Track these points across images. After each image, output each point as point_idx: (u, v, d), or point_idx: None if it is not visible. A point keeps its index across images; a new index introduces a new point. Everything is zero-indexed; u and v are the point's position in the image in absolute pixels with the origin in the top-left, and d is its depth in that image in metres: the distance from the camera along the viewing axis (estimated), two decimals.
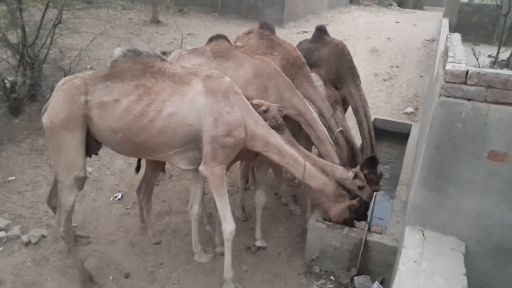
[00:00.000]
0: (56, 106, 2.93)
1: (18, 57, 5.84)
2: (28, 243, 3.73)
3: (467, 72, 2.30)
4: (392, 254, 3.38)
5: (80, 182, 3.09)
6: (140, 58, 3.00)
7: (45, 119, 2.96)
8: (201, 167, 3.12)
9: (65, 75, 6.16)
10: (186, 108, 2.94)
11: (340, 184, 3.69)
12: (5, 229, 3.82)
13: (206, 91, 2.99)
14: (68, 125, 2.91)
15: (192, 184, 3.57)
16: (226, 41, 4.04)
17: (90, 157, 3.24)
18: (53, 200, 3.44)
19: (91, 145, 3.13)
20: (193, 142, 3.05)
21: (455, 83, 2.33)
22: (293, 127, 4.11)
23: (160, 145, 3.01)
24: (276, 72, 3.87)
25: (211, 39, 4.11)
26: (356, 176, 3.68)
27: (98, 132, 3.01)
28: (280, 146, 3.28)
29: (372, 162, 4.43)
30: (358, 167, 3.76)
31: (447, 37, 3.59)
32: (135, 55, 3.00)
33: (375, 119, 6.34)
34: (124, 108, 2.88)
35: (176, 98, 2.94)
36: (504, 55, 7.60)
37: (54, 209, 3.50)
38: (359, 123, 4.91)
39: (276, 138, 3.28)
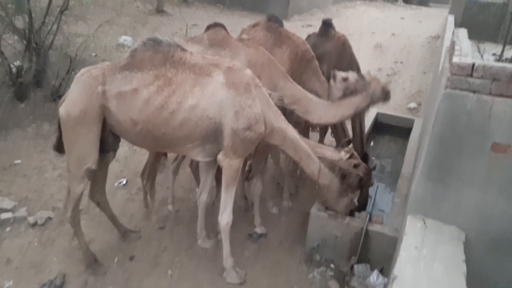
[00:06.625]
0: (74, 97, 2.90)
1: (24, 42, 5.86)
2: (34, 224, 3.80)
3: (473, 65, 2.33)
4: (392, 244, 3.43)
5: (91, 174, 3.09)
6: (160, 47, 2.94)
7: (62, 110, 2.92)
8: (220, 157, 3.07)
9: (71, 62, 6.21)
10: (207, 100, 2.88)
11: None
12: (12, 210, 3.89)
13: (228, 83, 2.94)
14: (85, 117, 2.86)
15: (202, 173, 3.61)
16: (223, 30, 4.03)
17: (108, 153, 3.23)
18: (95, 195, 3.47)
19: (108, 141, 3.09)
20: (213, 135, 2.99)
21: (461, 75, 2.37)
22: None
23: (180, 138, 2.96)
24: (269, 61, 3.83)
25: (208, 28, 4.11)
26: (351, 156, 3.62)
27: (117, 124, 2.95)
28: (296, 141, 3.28)
29: (363, 159, 4.46)
30: (351, 145, 3.75)
31: (453, 32, 3.62)
32: (155, 44, 2.94)
33: (377, 113, 6.39)
34: (144, 99, 2.82)
35: (197, 90, 2.88)
36: (508, 53, 7.61)
37: (98, 204, 3.55)
38: (352, 118, 4.91)
39: (293, 133, 3.27)
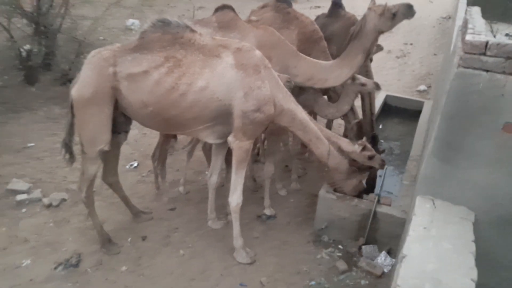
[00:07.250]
0: (85, 78, 2.92)
1: (33, 26, 5.87)
2: (49, 206, 3.89)
3: (487, 42, 2.29)
4: (400, 226, 3.45)
5: (104, 155, 3.14)
6: (169, 28, 2.94)
7: (74, 92, 2.95)
8: (230, 139, 3.09)
9: (79, 45, 6.22)
10: (217, 82, 2.89)
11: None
12: (26, 191, 3.99)
13: (237, 64, 2.93)
14: (96, 98, 2.89)
15: (213, 155, 3.64)
16: (232, 12, 3.99)
17: (120, 134, 3.27)
18: (108, 177, 3.54)
19: (120, 121, 3.13)
20: (222, 116, 3.01)
21: (474, 54, 2.33)
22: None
23: (190, 120, 2.98)
24: (279, 41, 3.80)
25: (217, 10, 4.07)
26: (364, 148, 3.60)
27: (128, 106, 2.98)
28: (306, 123, 3.28)
29: (373, 141, 4.45)
30: (364, 138, 3.73)
31: (466, 10, 3.54)
32: (165, 25, 2.94)
33: (386, 95, 6.33)
34: (154, 81, 2.84)
35: (206, 72, 2.88)
36: None
37: (110, 185, 3.61)
38: (362, 99, 4.87)
39: (302, 114, 3.27)
